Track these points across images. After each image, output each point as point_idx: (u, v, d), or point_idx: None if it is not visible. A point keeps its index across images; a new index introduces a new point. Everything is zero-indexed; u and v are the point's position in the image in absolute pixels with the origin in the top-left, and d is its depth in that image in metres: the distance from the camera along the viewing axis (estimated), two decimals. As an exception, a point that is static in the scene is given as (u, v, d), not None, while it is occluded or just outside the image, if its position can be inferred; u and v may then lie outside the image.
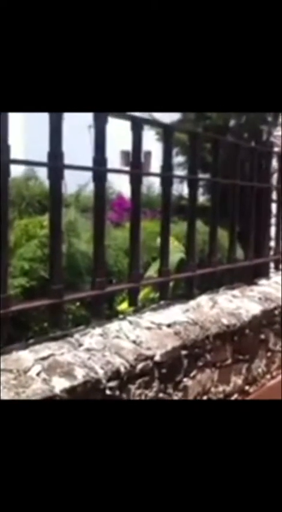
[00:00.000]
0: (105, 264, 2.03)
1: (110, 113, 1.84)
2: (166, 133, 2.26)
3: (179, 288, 2.82)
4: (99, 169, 1.89)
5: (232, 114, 5.85)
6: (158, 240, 2.35)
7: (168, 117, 4.25)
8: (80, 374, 1.51)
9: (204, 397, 2.09)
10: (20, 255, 3.34)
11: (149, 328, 1.94)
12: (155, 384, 1.80)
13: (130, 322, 1.95)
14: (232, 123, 6.02)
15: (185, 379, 1.96)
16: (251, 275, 2.99)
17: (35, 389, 1.39)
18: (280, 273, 3.35)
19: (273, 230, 3.47)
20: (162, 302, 2.29)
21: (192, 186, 2.44)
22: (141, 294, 3.01)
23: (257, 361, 2.54)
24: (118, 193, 6.35)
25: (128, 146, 2.05)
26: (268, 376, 2.66)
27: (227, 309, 2.38)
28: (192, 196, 2.43)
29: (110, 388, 1.59)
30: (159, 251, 2.30)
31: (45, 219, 3.38)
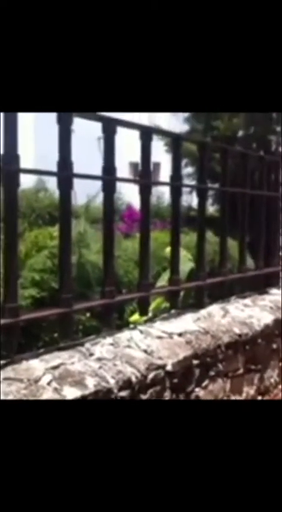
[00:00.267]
0: (115, 273, 2.02)
1: (113, 120, 1.84)
2: (175, 142, 2.26)
3: (190, 298, 2.80)
4: (109, 178, 1.89)
5: (240, 125, 5.86)
6: (168, 250, 2.35)
7: (177, 129, 4.26)
8: (91, 383, 1.50)
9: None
10: (30, 266, 3.35)
11: (160, 338, 1.93)
12: (167, 394, 1.78)
13: (141, 332, 1.94)
14: (240, 133, 6.03)
15: (196, 389, 1.95)
16: (262, 284, 2.97)
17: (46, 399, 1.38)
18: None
19: (282, 239, 3.45)
20: (173, 311, 2.28)
21: (202, 196, 2.44)
22: (154, 304, 3.00)
23: (269, 371, 2.51)
24: (128, 204, 6.37)
25: (137, 158, 2.06)
26: (280, 386, 2.64)
27: (239, 318, 2.37)
28: (201, 206, 2.43)
29: (122, 398, 1.57)
30: (170, 260, 2.29)
31: (55, 230, 3.39)
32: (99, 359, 1.66)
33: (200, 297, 2.43)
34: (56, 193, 1.77)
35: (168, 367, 1.78)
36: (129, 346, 1.80)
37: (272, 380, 2.55)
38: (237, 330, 2.24)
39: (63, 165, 1.72)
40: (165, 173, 2.69)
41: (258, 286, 2.94)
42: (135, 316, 2.81)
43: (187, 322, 2.14)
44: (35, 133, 10.73)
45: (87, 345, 1.74)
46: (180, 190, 2.29)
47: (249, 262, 3.00)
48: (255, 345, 2.35)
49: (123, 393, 1.58)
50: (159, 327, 2.03)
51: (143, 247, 2.10)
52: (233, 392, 2.19)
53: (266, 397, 2.48)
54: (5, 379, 1.42)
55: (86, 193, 4.81)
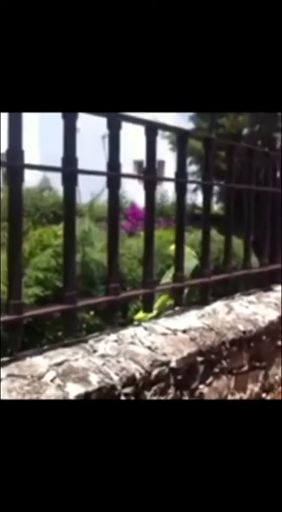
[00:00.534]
0: (119, 270, 2.01)
1: (118, 115, 1.84)
2: (181, 139, 2.25)
3: (194, 295, 2.80)
4: (114, 174, 1.88)
5: (246, 123, 5.85)
6: (172, 248, 2.34)
7: (183, 126, 4.25)
8: (94, 380, 1.50)
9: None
10: (35, 264, 3.35)
11: (164, 334, 1.92)
12: (171, 391, 1.77)
13: (145, 328, 1.93)
14: (245, 131, 6.02)
15: (201, 386, 1.94)
16: (267, 281, 2.97)
17: (49, 395, 1.38)
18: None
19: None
20: (177, 308, 2.27)
21: (207, 193, 2.43)
22: (158, 302, 3.00)
23: (274, 368, 2.50)
24: (131, 202, 6.37)
25: (141, 156, 2.05)
26: (285, 384, 2.63)
27: (243, 315, 2.36)
28: (206, 203, 2.42)
29: (125, 394, 1.57)
30: (174, 257, 2.28)
31: (59, 228, 3.39)
32: (103, 356, 1.65)
33: (204, 293, 2.42)
34: (60, 191, 1.77)
35: (173, 364, 1.78)
36: (133, 343, 1.79)
37: (277, 377, 2.54)
38: (241, 327, 2.23)
39: (67, 161, 1.71)
40: (169, 171, 2.68)
41: (263, 283, 2.94)
42: (140, 315, 2.81)
43: (191, 318, 2.14)
44: (40, 135, 10.77)
45: (91, 341, 1.74)
46: (185, 187, 2.28)
47: (254, 259, 3.00)
48: (260, 342, 2.34)
49: (127, 390, 1.58)
50: (164, 323, 2.03)
51: (148, 244, 2.09)
52: (237, 390, 2.18)
53: (271, 394, 2.47)
54: (9, 375, 1.41)
55: (90, 191, 4.81)
